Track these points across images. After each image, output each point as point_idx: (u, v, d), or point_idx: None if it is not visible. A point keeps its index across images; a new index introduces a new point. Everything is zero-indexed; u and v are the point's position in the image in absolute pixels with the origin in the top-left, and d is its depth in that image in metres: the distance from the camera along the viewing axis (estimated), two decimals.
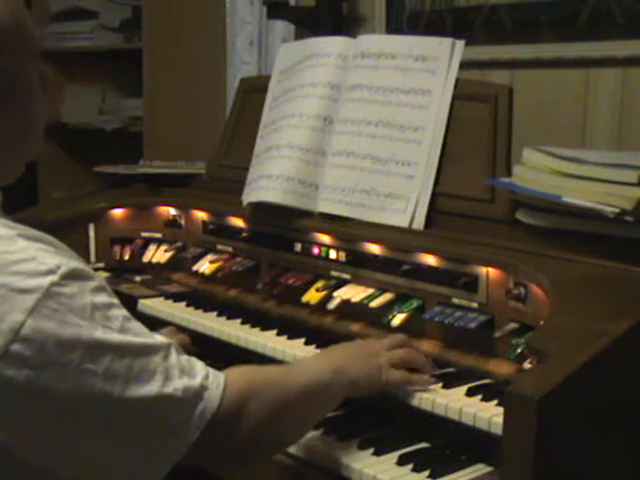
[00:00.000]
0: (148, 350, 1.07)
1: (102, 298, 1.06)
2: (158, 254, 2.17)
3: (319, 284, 1.78)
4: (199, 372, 1.12)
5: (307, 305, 1.77)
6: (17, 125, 1.18)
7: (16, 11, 1.16)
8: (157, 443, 1.07)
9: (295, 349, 1.61)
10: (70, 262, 1.05)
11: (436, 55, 1.78)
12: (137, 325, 1.10)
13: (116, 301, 1.09)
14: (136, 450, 1.06)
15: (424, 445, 1.37)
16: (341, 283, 1.76)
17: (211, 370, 1.14)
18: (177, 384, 1.07)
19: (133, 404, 1.04)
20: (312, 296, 1.77)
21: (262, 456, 1.27)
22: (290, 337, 1.67)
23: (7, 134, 1.17)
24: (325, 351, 1.44)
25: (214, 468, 1.24)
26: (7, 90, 1.15)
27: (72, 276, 1.04)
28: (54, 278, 1.02)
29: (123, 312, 1.09)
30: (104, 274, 2.14)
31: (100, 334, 1.03)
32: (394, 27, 2.54)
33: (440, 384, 1.41)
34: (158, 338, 1.11)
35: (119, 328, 1.05)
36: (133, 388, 1.04)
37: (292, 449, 1.37)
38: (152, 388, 1.05)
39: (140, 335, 1.08)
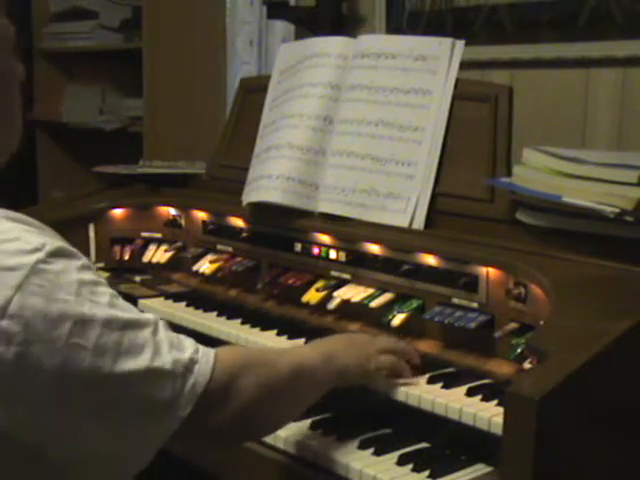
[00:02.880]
0: (136, 324, 1.08)
1: (88, 275, 1.07)
2: (158, 254, 2.17)
3: (319, 284, 1.78)
4: (188, 347, 1.12)
5: (307, 305, 1.77)
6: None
7: None
8: (150, 418, 1.07)
9: None
10: (55, 242, 1.06)
11: (436, 55, 1.78)
12: (125, 302, 1.10)
13: (102, 280, 1.10)
14: (127, 425, 1.06)
15: (424, 445, 1.37)
16: (341, 283, 1.76)
17: (200, 346, 1.14)
18: (166, 358, 1.08)
19: (123, 378, 1.04)
20: (312, 296, 1.77)
21: (249, 436, 1.28)
22: (290, 337, 1.67)
23: None
24: (317, 340, 1.45)
25: (202, 445, 1.24)
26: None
27: (57, 254, 1.04)
28: (40, 255, 1.02)
29: (110, 290, 1.09)
30: (104, 274, 2.13)
31: (87, 309, 1.03)
32: (394, 27, 2.54)
33: (440, 384, 1.41)
34: (146, 314, 1.12)
35: (107, 303, 1.06)
36: (123, 362, 1.04)
37: (291, 449, 1.38)
38: (142, 362, 1.06)
39: (128, 311, 1.09)
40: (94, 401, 1.04)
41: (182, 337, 1.14)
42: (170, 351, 1.09)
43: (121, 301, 1.10)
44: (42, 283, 1.01)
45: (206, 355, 1.13)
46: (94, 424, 1.05)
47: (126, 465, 1.10)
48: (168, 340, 1.10)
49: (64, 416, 1.04)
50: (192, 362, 1.10)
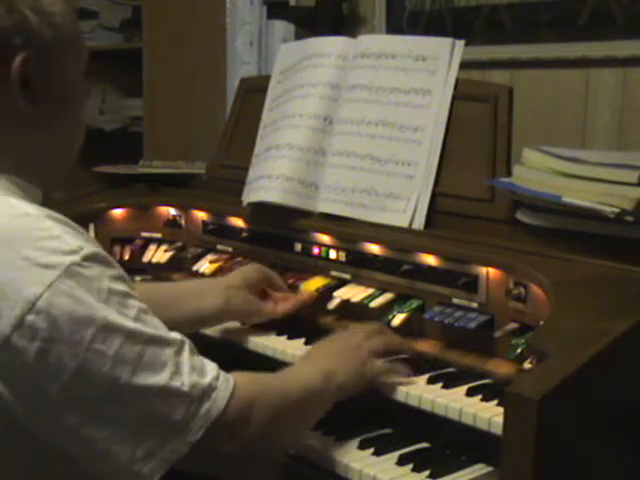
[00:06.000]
0: (161, 342, 1.09)
1: (120, 286, 1.09)
2: (158, 254, 2.17)
3: (319, 284, 1.78)
4: (209, 372, 1.13)
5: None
6: (70, 130, 1.25)
7: (74, 22, 1.23)
8: (159, 437, 1.07)
9: (295, 349, 1.61)
10: (92, 247, 1.08)
11: (436, 55, 1.78)
12: (153, 319, 1.11)
13: (135, 293, 1.11)
14: (136, 440, 1.07)
15: (424, 445, 1.37)
16: (341, 283, 1.76)
17: (222, 372, 1.15)
18: (186, 379, 1.08)
19: (139, 391, 1.05)
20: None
21: (259, 460, 1.28)
22: (290, 337, 1.67)
23: (61, 138, 1.24)
24: (312, 353, 1.45)
25: (213, 470, 1.24)
26: (71, 97, 1.24)
27: (93, 259, 1.06)
28: (75, 258, 1.04)
29: (140, 304, 1.10)
30: None
31: (114, 317, 1.05)
32: (394, 27, 2.54)
33: (440, 384, 1.41)
34: (173, 334, 1.12)
35: (134, 316, 1.07)
36: (141, 375, 1.05)
37: (291, 448, 1.37)
38: (160, 379, 1.06)
39: (155, 327, 1.10)
40: (107, 408, 1.05)
41: (205, 362, 1.14)
42: (191, 374, 1.09)
43: (149, 317, 1.10)
44: (73, 285, 1.03)
45: (226, 383, 1.13)
46: (105, 431, 1.06)
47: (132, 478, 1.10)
48: (190, 362, 1.11)
49: (77, 417, 1.05)
50: (211, 388, 1.11)
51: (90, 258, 1.06)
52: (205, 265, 2.01)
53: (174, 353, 1.09)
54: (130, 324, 1.06)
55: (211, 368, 1.14)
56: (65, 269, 1.03)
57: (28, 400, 1.04)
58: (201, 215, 2.11)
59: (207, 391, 1.10)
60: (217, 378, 1.12)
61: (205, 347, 1.73)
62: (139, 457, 1.07)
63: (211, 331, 1.76)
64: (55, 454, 1.09)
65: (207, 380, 1.11)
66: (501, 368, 1.46)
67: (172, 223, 2.18)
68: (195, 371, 1.10)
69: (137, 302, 1.10)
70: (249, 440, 1.16)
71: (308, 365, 1.39)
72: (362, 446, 1.35)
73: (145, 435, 1.07)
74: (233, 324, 1.77)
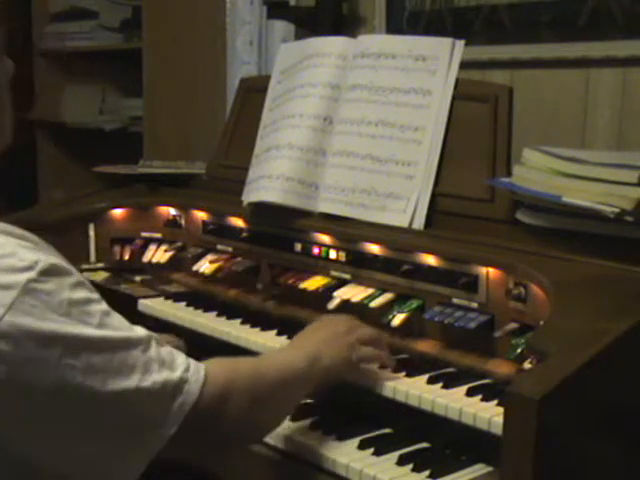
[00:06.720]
0: (127, 344, 1.08)
1: (80, 294, 1.07)
2: (158, 254, 2.17)
3: (319, 284, 1.78)
4: (179, 365, 1.12)
5: (306, 290, 1.77)
6: None
7: None
8: (135, 436, 1.08)
9: None
10: (49, 258, 1.06)
11: (436, 55, 1.78)
12: (117, 319, 1.10)
13: (95, 296, 1.10)
14: (114, 443, 1.07)
15: (424, 445, 1.37)
16: (341, 283, 1.76)
17: (192, 363, 1.14)
18: (156, 377, 1.08)
19: (112, 398, 1.05)
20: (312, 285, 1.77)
21: (241, 445, 1.29)
22: (290, 337, 1.67)
23: None
24: (300, 337, 1.45)
25: (194, 458, 1.24)
26: None
27: (50, 272, 1.04)
28: (32, 274, 1.02)
29: (102, 307, 1.09)
30: (104, 274, 2.14)
31: (78, 330, 1.04)
32: (394, 27, 2.54)
33: (440, 384, 1.41)
34: (138, 331, 1.12)
35: (97, 323, 1.06)
36: (112, 382, 1.05)
37: (291, 448, 1.38)
38: (131, 382, 1.06)
39: (119, 329, 1.09)
40: (82, 417, 1.05)
41: (175, 354, 1.14)
42: (160, 370, 1.09)
43: (112, 318, 1.09)
44: (33, 303, 1.01)
45: (196, 374, 1.13)
46: (81, 438, 1.06)
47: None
48: (159, 359, 1.10)
49: (50, 431, 1.04)
50: (182, 381, 1.11)
51: (47, 272, 1.04)
52: (205, 265, 2.01)
53: (141, 352, 1.08)
54: (95, 333, 1.05)
55: (181, 361, 1.13)
56: (23, 287, 1.01)
57: (3, 422, 1.03)
58: (201, 215, 2.11)
59: (179, 385, 1.10)
60: (187, 370, 1.12)
61: (204, 347, 1.74)
62: (117, 457, 1.08)
63: (211, 331, 1.77)
64: (27, 464, 1.08)
65: (177, 374, 1.11)
66: (501, 368, 1.46)
67: (172, 223, 2.18)
68: (165, 366, 1.10)
69: (99, 305, 1.08)
70: (230, 424, 1.16)
71: (293, 349, 1.40)
72: (362, 446, 1.35)
73: (121, 436, 1.07)
74: (234, 324, 1.77)
